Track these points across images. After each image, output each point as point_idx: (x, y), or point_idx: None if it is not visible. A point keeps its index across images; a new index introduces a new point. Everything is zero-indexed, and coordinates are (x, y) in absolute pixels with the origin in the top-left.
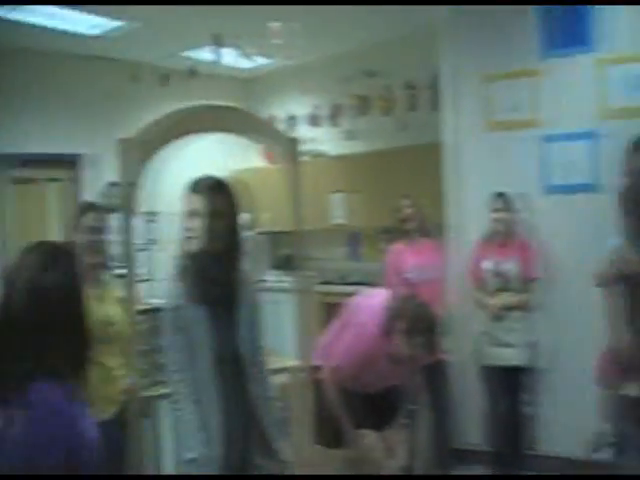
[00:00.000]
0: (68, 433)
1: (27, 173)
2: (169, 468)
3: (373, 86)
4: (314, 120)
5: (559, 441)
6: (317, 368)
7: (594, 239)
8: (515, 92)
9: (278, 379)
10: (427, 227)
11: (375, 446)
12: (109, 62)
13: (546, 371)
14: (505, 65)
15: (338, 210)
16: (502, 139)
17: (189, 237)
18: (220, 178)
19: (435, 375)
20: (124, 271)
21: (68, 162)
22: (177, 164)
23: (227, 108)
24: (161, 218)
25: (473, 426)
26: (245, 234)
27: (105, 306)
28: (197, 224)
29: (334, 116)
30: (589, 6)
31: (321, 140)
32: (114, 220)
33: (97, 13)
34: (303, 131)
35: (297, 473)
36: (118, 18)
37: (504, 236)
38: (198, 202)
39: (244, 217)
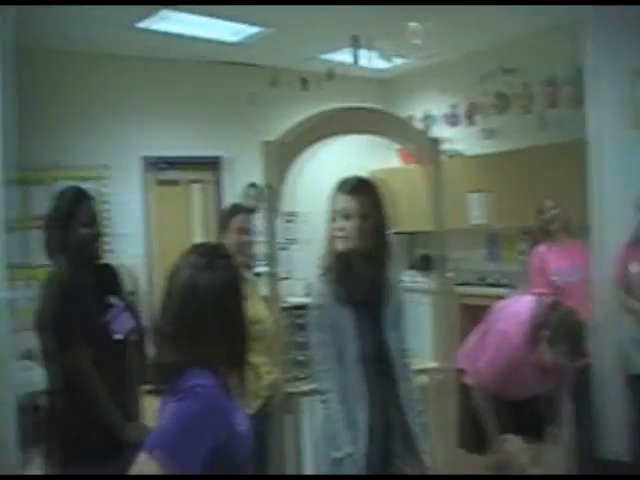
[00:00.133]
0: (220, 425)
1: (171, 175)
2: (310, 465)
3: (512, 83)
4: (451, 119)
5: None
6: (461, 371)
7: None
8: None
9: (416, 381)
10: (571, 228)
11: (520, 453)
12: (249, 68)
13: None
14: None
15: (476, 210)
16: None
17: (339, 237)
18: (368, 178)
19: (580, 382)
20: (265, 270)
21: (210, 164)
22: (312, 165)
23: (367, 109)
24: (299, 218)
25: (615, 436)
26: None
27: (251, 304)
28: (348, 224)
29: (471, 115)
30: None
31: (458, 139)
32: (257, 221)
33: (237, 20)
34: (440, 130)
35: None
36: (257, 24)
37: None
38: (349, 202)
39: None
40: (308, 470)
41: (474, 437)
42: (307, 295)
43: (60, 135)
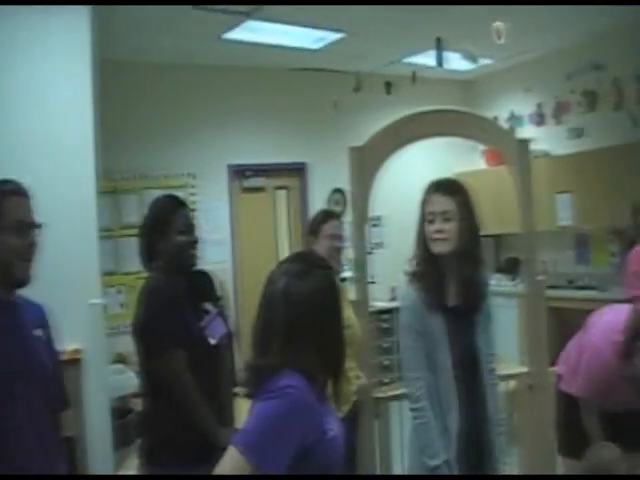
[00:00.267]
0: (308, 427)
1: (256, 182)
2: (399, 472)
3: (600, 80)
4: (537, 119)
5: None
6: (560, 377)
7: None
8: None
9: (503, 386)
10: None
11: (617, 461)
12: (332, 74)
13: None
14: None
15: (564, 211)
16: None
17: (438, 239)
18: (459, 180)
19: None
20: (352, 275)
21: (295, 171)
22: (394, 169)
23: (454, 112)
24: (383, 222)
25: None
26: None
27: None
28: (447, 226)
29: (558, 114)
30: None
31: (544, 139)
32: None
33: (319, 27)
34: (525, 131)
35: None
36: (340, 30)
37: None
38: (449, 203)
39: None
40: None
41: (569, 441)
42: (392, 300)
43: (148, 145)
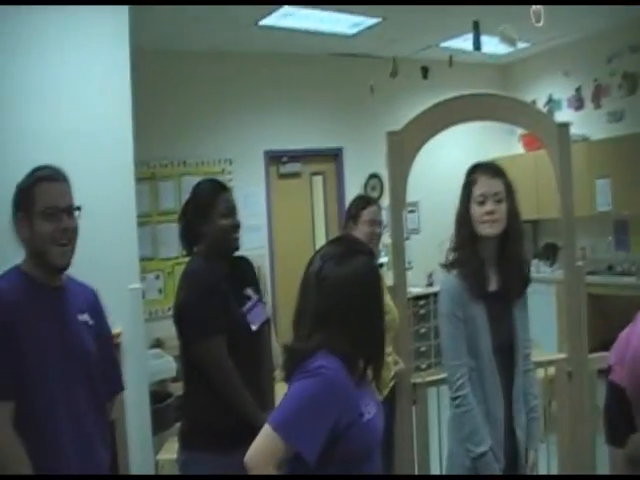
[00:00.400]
0: (342, 408)
1: (293, 168)
2: (435, 455)
3: None
4: (575, 103)
5: None
6: (610, 367)
7: None
8: None
9: (542, 372)
10: None
11: None
12: (369, 59)
13: None
14: None
15: (603, 196)
16: None
17: (489, 220)
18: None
19: None
20: (388, 260)
21: (331, 156)
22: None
23: (493, 96)
24: (420, 208)
25: None
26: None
27: None
28: (499, 207)
29: (597, 97)
30: None
31: (583, 123)
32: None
33: (355, 12)
34: (564, 115)
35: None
36: (376, 15)
37: None
38: (499, 185)
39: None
40: (434, 460)
41: (616, 431)
42: (428, 285)
43: (185, 132)
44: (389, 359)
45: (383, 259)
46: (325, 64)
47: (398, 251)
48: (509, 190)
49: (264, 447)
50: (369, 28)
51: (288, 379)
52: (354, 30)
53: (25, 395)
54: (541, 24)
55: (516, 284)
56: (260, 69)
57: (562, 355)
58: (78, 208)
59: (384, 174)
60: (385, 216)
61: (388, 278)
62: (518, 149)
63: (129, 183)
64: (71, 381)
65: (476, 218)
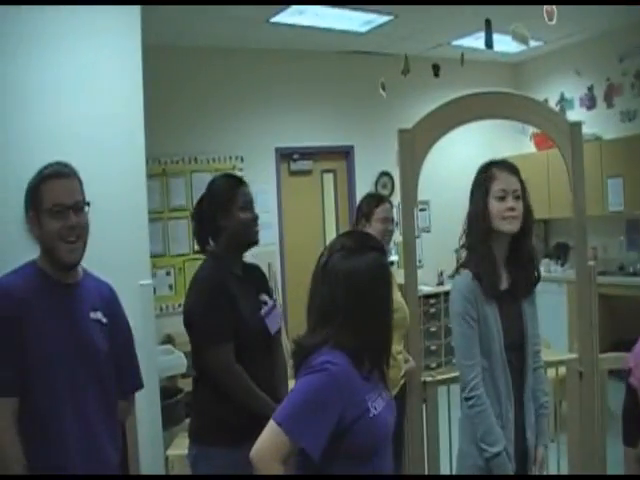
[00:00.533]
0: (347, 403)
1: (304, 165)
2: (445, 453)
3: None
4: (588, 102)
5: None
6: (629, 370)
7: None
8: None
9: (553, 372)
10: None
11: None
12: (380, 57)
13: None
14: None
15: (615, 196)
16: None
17: (510, 217)
18: None
19: None
20: (398, 258)
21: (342, 154)
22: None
23: (505, 94)
24: (431, 206)
25: None
26: None
27: None
28: (519, 204)
29: (610, 96)
30: None
31: (595, 123)
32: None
33: (367, 10)
34: (576, 114)
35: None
36: (387, 13)
37: None
38: (516, 182)
39: None
40: (444, 458)
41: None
42: (439, 284)
43: (196, 129)
44: (399, 357)
45: (394, 257)
46: (336, 62)
47: (409, 249)
48: (523, 188)
49: (269, 442)
50: (380, 26)
51: (296, 374)
52: (366, 28)
53: (30, 392)
54: (554, 22)
55: (527, 282)
56: (271, 66)
57: (573, 355)
58: (87, 204)
59: (395, 172)
60: (396, 214)
61: (399, 276)
62: (530, 148)
63: (141, 180)
64: (80, 380)
65: (496, 214)
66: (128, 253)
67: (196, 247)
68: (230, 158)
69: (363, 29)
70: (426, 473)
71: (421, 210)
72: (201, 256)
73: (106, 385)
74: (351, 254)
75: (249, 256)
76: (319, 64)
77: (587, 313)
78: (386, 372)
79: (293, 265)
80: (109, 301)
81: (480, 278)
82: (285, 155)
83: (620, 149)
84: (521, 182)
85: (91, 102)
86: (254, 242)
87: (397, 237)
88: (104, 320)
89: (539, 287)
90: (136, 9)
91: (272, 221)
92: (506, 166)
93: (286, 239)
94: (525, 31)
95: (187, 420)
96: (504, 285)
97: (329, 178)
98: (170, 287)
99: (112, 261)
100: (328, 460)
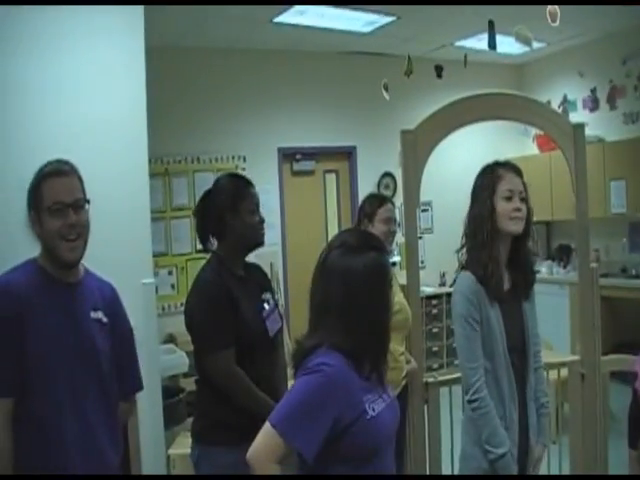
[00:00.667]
0: (343, 404)
1: (306, 166)
2: (446, 454)
3: None
4: (590, 104)
5: None
6: (636, 374)
7: None
8: None
9: (554, 374)
10: None
11: None
12: (383, 57)
13: None
14: None
15: (618, 198)
16: None
17: (517, 217)
18: None
19: None
20: (400, 259)
21: (345, 154)
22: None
23: (509, 95)
24: (433, 207)
25: None
26: None
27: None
28: (523, 206)
29: (613, 98)
30: None
31: (598, 125)
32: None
33: (370, 10)
34: (579, 116)
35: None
36: (390, 14)
37: None
38: (521, 184)
39: None
40: (445, 459)
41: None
42: (441, 285)
43: (199, 129)
44: (402, 358)
45: (396, 258)
46: (339, 62)
47: (411, 250)
48: (526, 190)
49: (264, 444)
50: (383, 27)
51: (295, 376)
52: (368, 28)
53: (29, 392)
54: (557, 24)
55: (526, 283)
56: (274, 66)
57: (575, 357)
58: (87, 201)
59: (397, 173)
60: (398, 215)
61: (401, 277)
62: (532, 149)
63: (143, 179)
64: (79, 380)
65: (504, 214)
66: (130, 252)
67: (199, 246)
68: (233, 158)
69: (366, 30)
70: (428, 474)
71: (423, 211)
72: (203, 255)
73: (106, 386)
74: (350, 252)
75: (252, 256)
76: (322, 65)
77: (589, 315)
78: (384, 373)
79: (295, 265)
80: (110, 301)
81: (485, 280)
82: (288, 155)
83: (623, 151)
84: (524, 185)
85: (94, 102)
86: (260, 244)
87: (399, 238)
88: (105, 320)
89: (541, 289)
90: (139, 9)
91: (274, 221)
92: (512, 167)
93: (288, 239)
94: (528, 33)
95: (189, 419)
96: (506, 286)
97: (332, 178)
98: (172, 286)
99: (115, 260)
100: (327, 462)
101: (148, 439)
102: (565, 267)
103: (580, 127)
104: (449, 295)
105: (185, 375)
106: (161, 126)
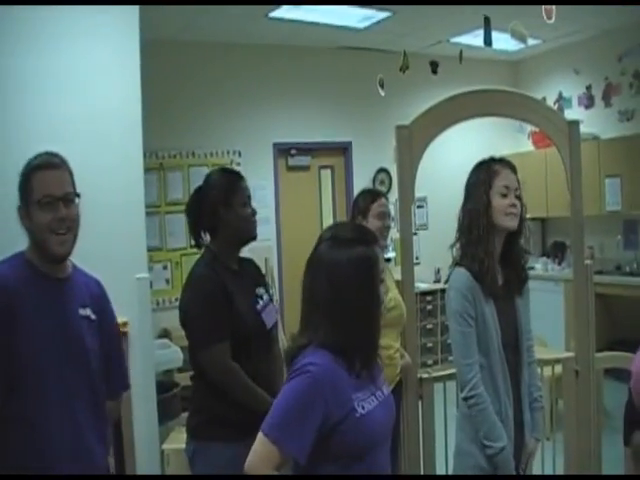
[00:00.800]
0: (332, 403)
1: (301, 161)
2: (441, 450)
3: None
4: (586, 101)
5: None
6: (630, 374)
7: None
8: None
9: (549, 370)
10: None
11: None
12: (378, 53)
13: None
14: None
15: (613, 196)
16: None
17: (512, 214)
18: None
19: None
20: (395, 255)
21: (340, 149)
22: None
23: (504, 92)
24: (428, 203)
25: None
26: None
27: (386, 290)
28: (518, 202)
29: (608, 96)
30: None
31: (593, 122)
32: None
33: (365, 6)
34: (574, 113)
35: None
36: (386, 9)
37: None
38: (516, 180)
39: None
40: (440, 455)
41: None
42: (436, 281)
43: (194, 123)
44: (396, 354)
45: (391, 254)
46: (334, 57)
47: (406, 246)
48: (520, 187)
49: (259, 454)
50: (379, 22)
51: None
52: (364, 24)
53: (17, 391)
54: (552, 21)
55: (518, 279)
56: (269, 61)
57: (569, 354)
58: (77, 195)
59: (392, 169)
60: (393, 211)
61: (396, 273)
62: (528, 146)
63: (138, 173)
64: (68, 379)
65: (500, 209)
66: (125, 247)
67: (193, 241)
68: (228, 153)
69: (361, 25)
70: (422, 470)
71: (418, 207)
72: (198, 250)
73: (95, 385)
74: (338, 245)
75: (246, 251)
76: (317, 60)
77: (584, 312)
78: (377, 370)
79: (290, 260)
80: (98, 297)
81: (480, 276)
82: (283, 150)
83: (618, 149)
84: (518, 181)
85: (89, 97)
86: (253, 237)
87: (394, 233)
88: (93, 317)
89: (536, 285)
90: (134, 7)
91: (269, 216)
92: (507, 164)
93: (283, 234)
94: (523, 29)
95: (183, 414)
96: (499, 282)
97: (327, 174)
98: (167, 281)
99: (109, 254)
100: (319, 460)
101: (142, 434)
102: (560, 264)
103: (575, 124)
104: (444, 291)
105: (179, 370)
106: (156, 120)
